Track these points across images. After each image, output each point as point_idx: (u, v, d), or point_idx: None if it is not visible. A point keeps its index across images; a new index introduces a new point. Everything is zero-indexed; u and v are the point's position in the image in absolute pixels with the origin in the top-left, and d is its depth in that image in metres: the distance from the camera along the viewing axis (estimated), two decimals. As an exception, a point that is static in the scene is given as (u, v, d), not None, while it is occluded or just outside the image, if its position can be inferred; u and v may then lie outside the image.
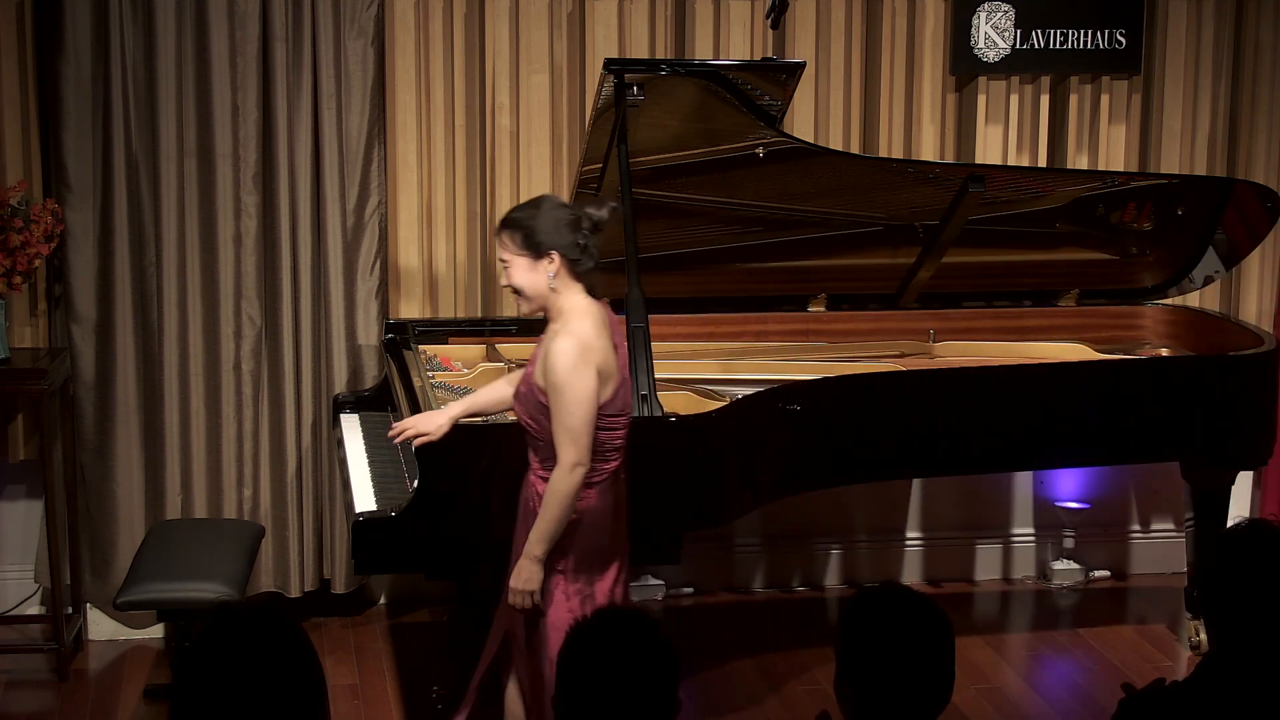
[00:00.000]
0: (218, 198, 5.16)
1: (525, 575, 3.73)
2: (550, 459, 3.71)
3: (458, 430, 4.07)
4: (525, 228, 3.75)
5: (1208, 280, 5.53)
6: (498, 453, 4.01)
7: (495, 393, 4.09)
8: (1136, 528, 6.09)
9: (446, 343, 5.15)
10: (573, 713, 2.48)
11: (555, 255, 3.74)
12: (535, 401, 3.72)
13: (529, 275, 3.75)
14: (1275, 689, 2.67)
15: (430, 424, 4.00)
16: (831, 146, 5.39)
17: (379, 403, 5.02)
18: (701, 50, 5.42)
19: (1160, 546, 6.06)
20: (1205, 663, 2.77)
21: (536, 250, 3.74)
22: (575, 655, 2.51)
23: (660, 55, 5.39)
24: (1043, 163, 5.70)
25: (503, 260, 3.80)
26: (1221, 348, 5.16)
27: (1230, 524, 4.12)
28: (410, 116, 5.32)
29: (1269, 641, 2.68)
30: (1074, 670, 5.27)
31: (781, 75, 4.67)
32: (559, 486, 3.67)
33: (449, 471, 3.98)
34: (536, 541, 3.70)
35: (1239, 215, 5.26)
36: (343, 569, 5.35)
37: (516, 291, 3.79)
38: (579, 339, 3.69)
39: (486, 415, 4.15)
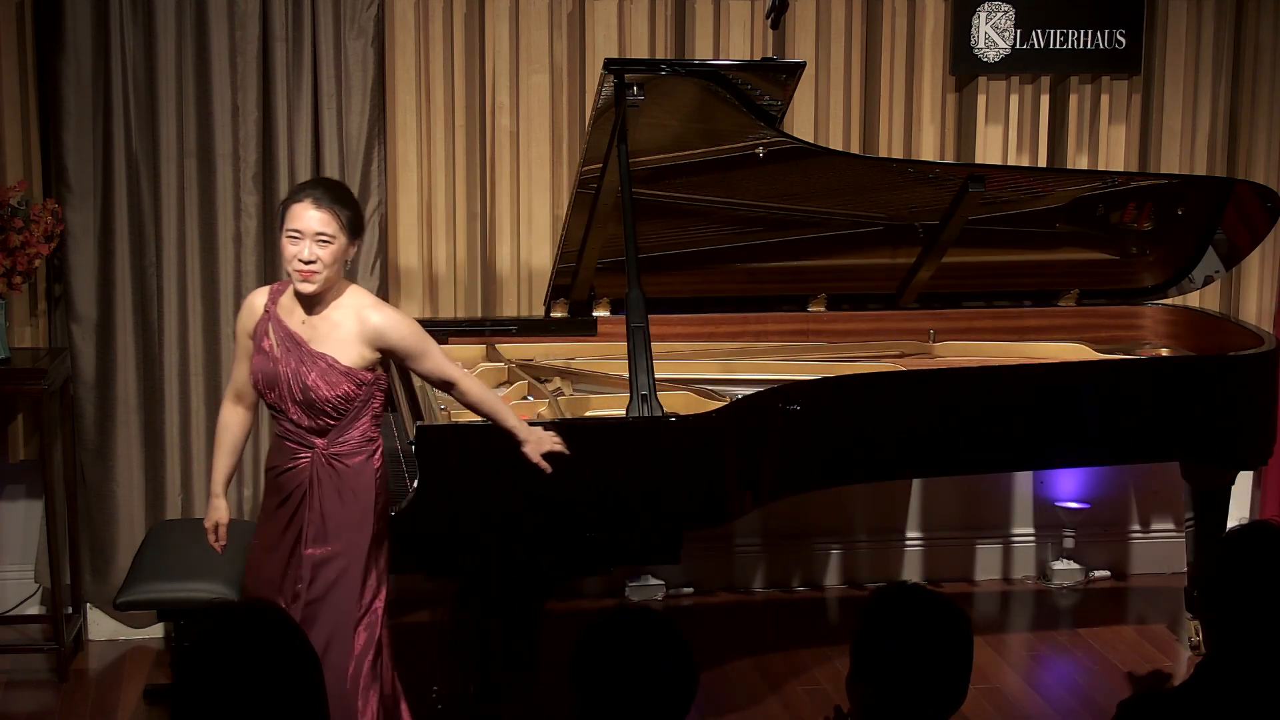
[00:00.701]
0: (218, 198, 5.16)
1: (537, 438, 3.88)
2: (344, 432, 3.80)
3: (457, 430, 4.09)
4: (357, 212, 3.84)
5: (1208, 280, 5.53)
6: (498, 452, 4.00)
7: (231, 443, 4.05)
8: (1136, 528, 6.09)
9: (447, 343, 5.11)
10: (590, 714, 2.48)
11: (358, 244, 3.87)
12: (356, 380, 3.77)
13: (340, 258, 3.79)
14: (1275, 690, 2.67)
15: (217, 517, 4.05)
16: (831, 146, 5.39)
17: (379, 403, 5.02)
18: (701, 50, 5.42)
19: (1160, 546, 6.07)
20: (1205, 664, 2.76)
21: (353, 235, 3.81)
22: (595, 657, 2.51)
23: (660, 55, 5.39)
24: (1043, 163, 5.70)
25: (324, 235, 3.73)
26: (1221, 348, 5.16)
27: (1231, 526, 4.11)
28: (410, 116, 5.32)
29: (1269, 643, 2.68)
30: (1074, 670, 5.27)
31: (781, 75, 4.67)
32: (475, 387, 3.93)
33: (449, 471, 3.97)
34: (516, 421, 3.90)
35: (1239, 215, 5.26)
36: (343, 569, 5.34)
37: (323, 268, 3.74)
38: (377, 301, 3.90)
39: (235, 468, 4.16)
